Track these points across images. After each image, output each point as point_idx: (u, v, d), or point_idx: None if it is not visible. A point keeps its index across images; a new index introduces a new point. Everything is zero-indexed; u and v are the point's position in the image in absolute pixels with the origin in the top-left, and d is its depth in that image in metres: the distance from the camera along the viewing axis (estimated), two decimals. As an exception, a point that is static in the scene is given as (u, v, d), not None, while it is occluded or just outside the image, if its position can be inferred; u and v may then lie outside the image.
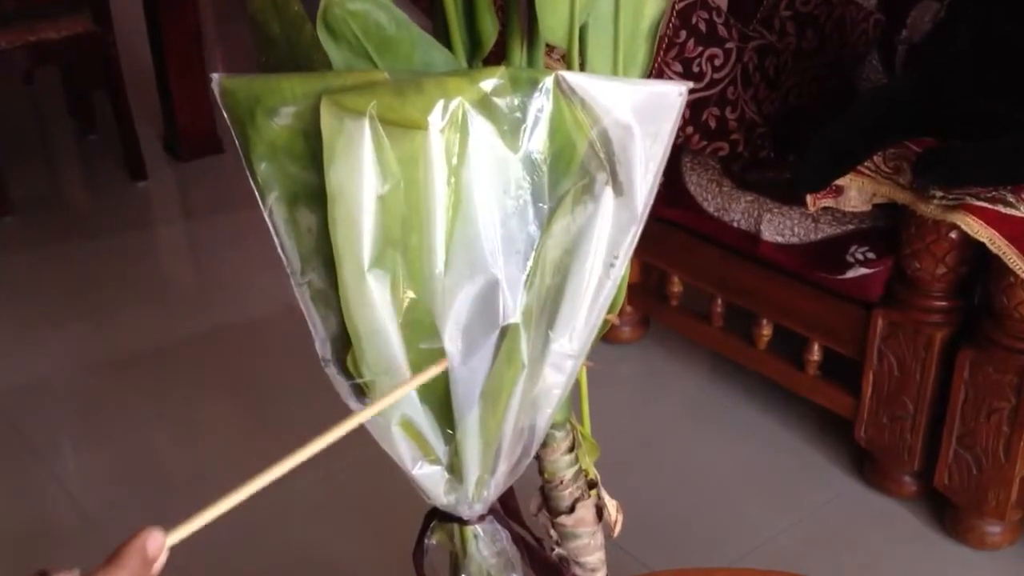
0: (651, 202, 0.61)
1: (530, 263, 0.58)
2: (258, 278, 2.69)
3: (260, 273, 2.68)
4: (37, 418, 2.26)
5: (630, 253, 0.61)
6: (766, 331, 2.04)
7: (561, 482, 0.74)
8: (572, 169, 0.59)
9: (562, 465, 0.74)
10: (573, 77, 0.57)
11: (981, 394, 1.69)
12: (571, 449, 0.74)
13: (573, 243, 0.60)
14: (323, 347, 0.61)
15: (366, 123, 0.54)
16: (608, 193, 0.60)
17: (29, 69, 3.72)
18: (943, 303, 1.74)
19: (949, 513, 1.84)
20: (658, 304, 2.25)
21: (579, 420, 0.76)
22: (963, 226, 1.55)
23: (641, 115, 0.59)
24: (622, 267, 0.61)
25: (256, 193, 0.58)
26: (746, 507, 1.93)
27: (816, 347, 1.95)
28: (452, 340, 0.59)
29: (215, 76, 0.57)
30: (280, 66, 0.64)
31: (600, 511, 0.76)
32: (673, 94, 0.59)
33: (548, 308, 0.61)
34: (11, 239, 3.07)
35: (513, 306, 0.58)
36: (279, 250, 0.59)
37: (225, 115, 0.57)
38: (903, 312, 1.77)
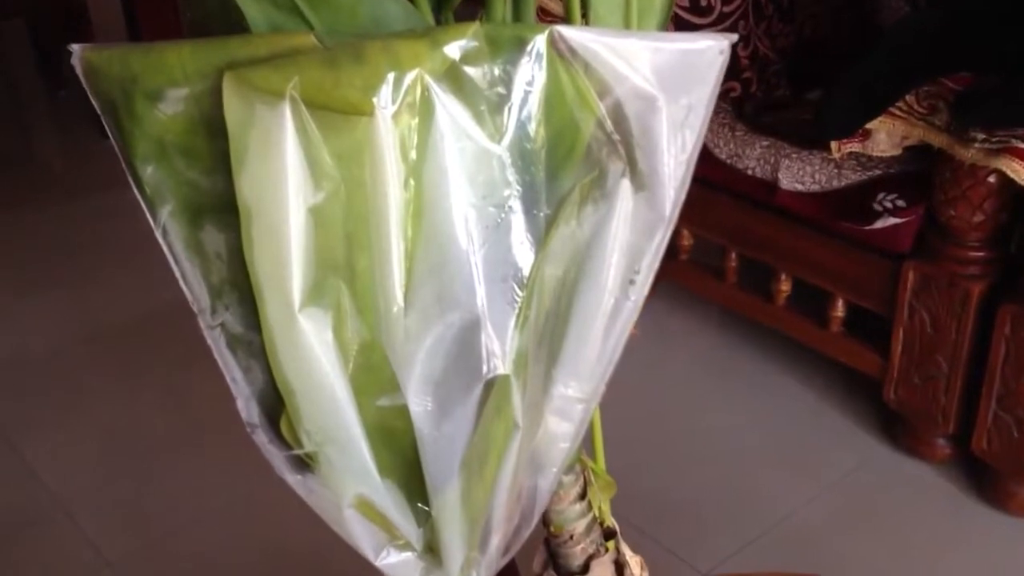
0: (683, 197, 0.45)
1: (523, 293, 0.43)
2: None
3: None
4: (7, 396, 2.16)
5: (656, 264, 0.46)
6: (785, 286, 1.93)
7: (571, 537, 0.60)
8: (575, 158, 0.43)
9: (572, 516, 0.59)
10: (574, 33, 0.41)
11: (1023, 352, 1.57)
12: (582, 495, 0.59)
13: (580, 257, 0.45)
14: (247, 408, 0.45)
15: (286, 108, 0.39)
16: (625, 187, 0.45)
17: (-7, 24, 3.58)
18: (980, 253, 1.63)
19: (987, 478, 1.74)
20: (666, 258, 2.09)
21: (590, 453, 0.61)
22: (1008, 172, 1.42)
23: (667, 81, 0.43)
24: (646, 284, 0.46)
25: (144, 207, 0.43)
26: (767, 477, 1.83)
27: (840, 302, 1.84)
28: (419, 397, 0.43)
29: (75, 49, 0.41)
30: (209, 24, 0.49)
31: (620, 568, 0.62)
32: (712, 51, 0.43)
33: (549, 342, 0.46)
34: (-24, 204, 2.96)
35: (501, 352, 0.43)
36: (180, 282, 0.44)
37: (93, 103, 0.41)
38: (936, 264, 1.66)
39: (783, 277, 1.92)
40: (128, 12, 3.28)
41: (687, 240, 2.08)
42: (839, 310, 1.85)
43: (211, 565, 1.74)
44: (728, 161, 1.86)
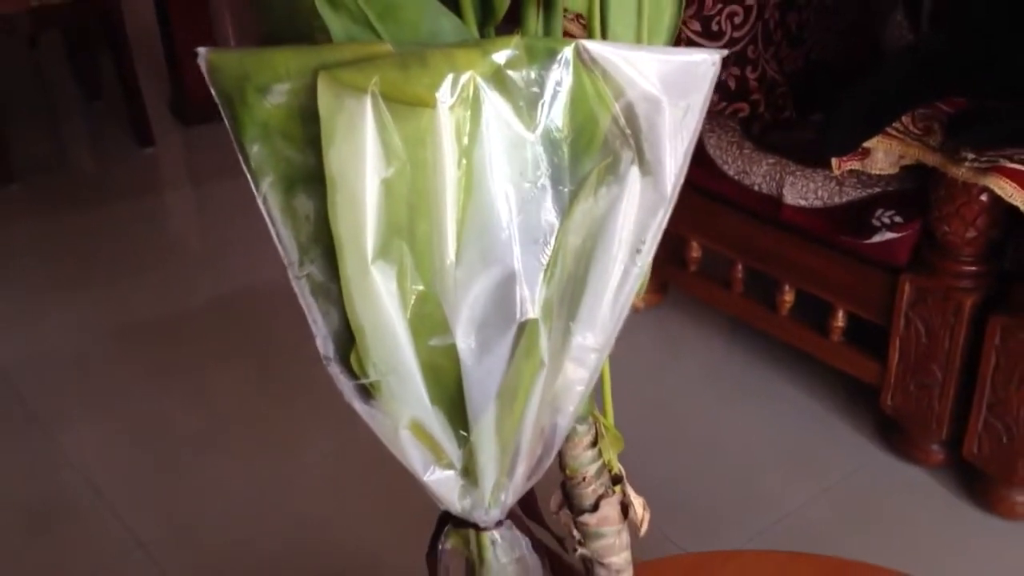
0: (681, 181, 0.55)
1: (549, 252, 0.53)
2: (266, 243, 2.64)
3: (268, 238, 2.63)
4: (43, 389, 2.25)
5: (658, 238, 0.56)
6: (788, 297, 2.01)
7: (584, 479, 0.69)
8: (594, 147, 0.54)
9: (584, 461, 0.69)
10: (595, 46, 0.51)
11: (1013, 361, 1.66)
12: (594, 443, 0.69)
13: (596, 228, 0.55)
14: (324, 344, 0.56)
15: (367, 101, 0.49)
16: (634, 173, 0.55)
17: (32, 33, 3.67)
18: (973, 268, 1.71)
19: (978, 483, 1.81)
20: (676, 269, 2.20)
21: (601, 410, 0.71)
22: (996, 189, 1.51)
23: (670, 87, 0.53)
24: (650, 253, 0.56)
25: (249, 178, 0.53)
26: (769, 478, 1.91)
27: (841, 313, 1.92)
28: (465, 337, 0.54)
29: (201, 51, 0.51)
30: (279, 34, 0.59)
31: (625, 508, 0.71)
32: (706, 63, 0.53)
33: (569, 299, 0.56)
34: (16, 206, 3.05)
35: (531, 300, 0.53)
36: (275, 240, 0.54)
37: (213, 93, 0.52)
38: (931, 277, 1.73)
39: (787, 288, 1.99)
40: (163, 23, 3.38)
41: (696, 252, 2.16)
42: (839, 320, 1.92)
43: (238, 549, 1.82)
44: (736, 177, 1.94)
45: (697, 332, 2.30)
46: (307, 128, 0.51)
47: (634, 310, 2.09)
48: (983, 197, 1.61)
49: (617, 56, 0.52)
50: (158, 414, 2.16)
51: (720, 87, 1.92)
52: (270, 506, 1.90)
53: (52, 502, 1.94)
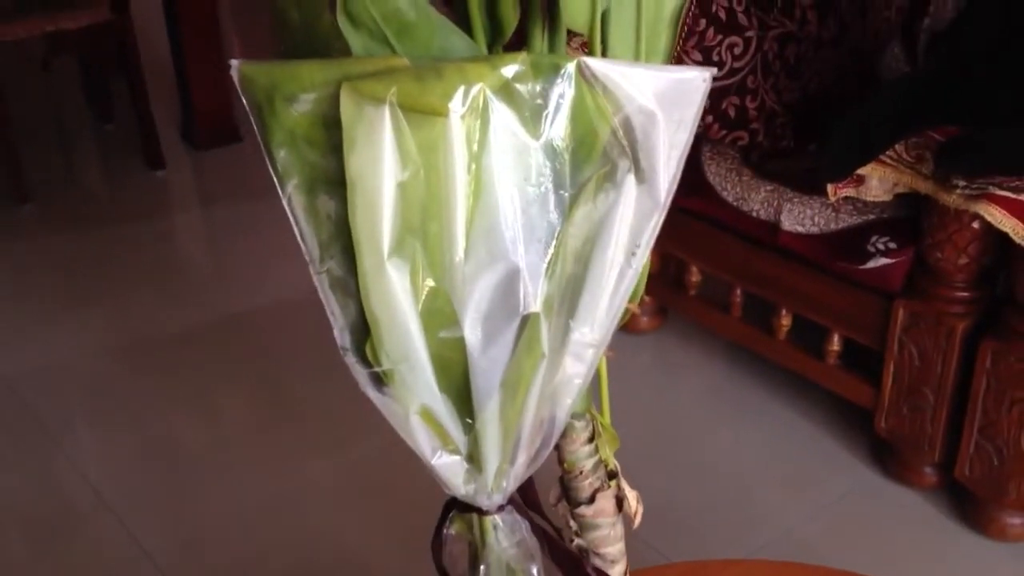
0: (674, 189, 0.60)
1: (551, 251, 0.58)
2: (275, 266, 2.71)
3: (277, 261, 2.70)
4: (53, 402, 2.29)
5: (652, 242, 0.61)
6: (785, 321, 2.05)
7: (581, 472, 0.74)
8: (594, 156, 0.58)
9: (582, 455, 0.73)
10: (596, 63, 0.56)
11: (1003, 384, 1.69)
12: (591, 439, 0.73)
13: (594, 231, 0.59)
14: (342, 335, 0.60)
15: (386, 110, 0.54)
16: (630, 180, 0.59)
17: (47, 58, 3.73)
18: (965, 293, 1.75)
19: (970, 504, 1.84)
20: (676, 294, 2.25)
21: (599, 410, 0.76)
22: (986, 216, 1.55)
23: (664, 101, 0.58)
24: (644, 256, 0.61)
25: (275, 180, 0.58)
26: (765, 497, 1.94)
27: (836, 337, 1.96)
28: (472, 329, 0.58)
29: (234, 63, 0.56)
30: (298, 53, 0.64)
31: (620, 502, 0.76)
32: (697, 80, 0.58)
33: (569, 297, 0.60)
34: (29, 227, 3.10)
35: (534, 295, 0.57)
36: (298, 238, 0.59)
37: (244, 102, 0.57)
38: (924, 302, 1.77)
39: (784, 312, 2.03)
40: (175, 50, 3.44)
41: (696, 277, 2.20)
42: (835, 344, 1.96)
43: (244, 563, 1.85)
44: (735, 203, 1.99)
45: (697, 355, 2.34)
46: (330, 134, 0.56)
47: (633, 329, 2.11)
48: (975, 224, 1.66)
49: (616, 72, 0.57)
50: (165, 428, 2.20)
51: (721, 116, 1.96)
52: (276, 520, 1.94)
53: (60, 514, 1.97)
